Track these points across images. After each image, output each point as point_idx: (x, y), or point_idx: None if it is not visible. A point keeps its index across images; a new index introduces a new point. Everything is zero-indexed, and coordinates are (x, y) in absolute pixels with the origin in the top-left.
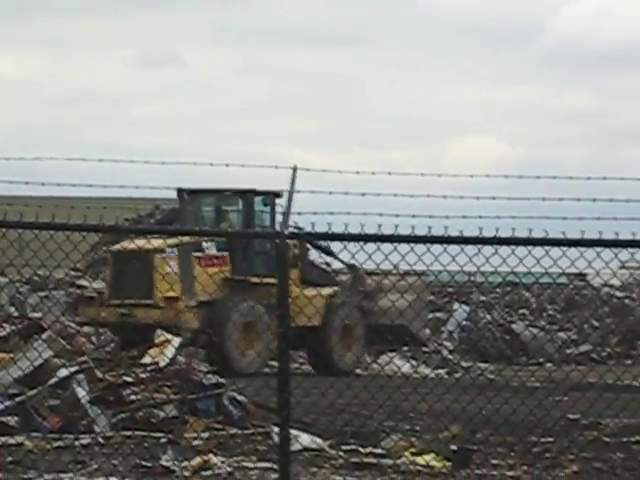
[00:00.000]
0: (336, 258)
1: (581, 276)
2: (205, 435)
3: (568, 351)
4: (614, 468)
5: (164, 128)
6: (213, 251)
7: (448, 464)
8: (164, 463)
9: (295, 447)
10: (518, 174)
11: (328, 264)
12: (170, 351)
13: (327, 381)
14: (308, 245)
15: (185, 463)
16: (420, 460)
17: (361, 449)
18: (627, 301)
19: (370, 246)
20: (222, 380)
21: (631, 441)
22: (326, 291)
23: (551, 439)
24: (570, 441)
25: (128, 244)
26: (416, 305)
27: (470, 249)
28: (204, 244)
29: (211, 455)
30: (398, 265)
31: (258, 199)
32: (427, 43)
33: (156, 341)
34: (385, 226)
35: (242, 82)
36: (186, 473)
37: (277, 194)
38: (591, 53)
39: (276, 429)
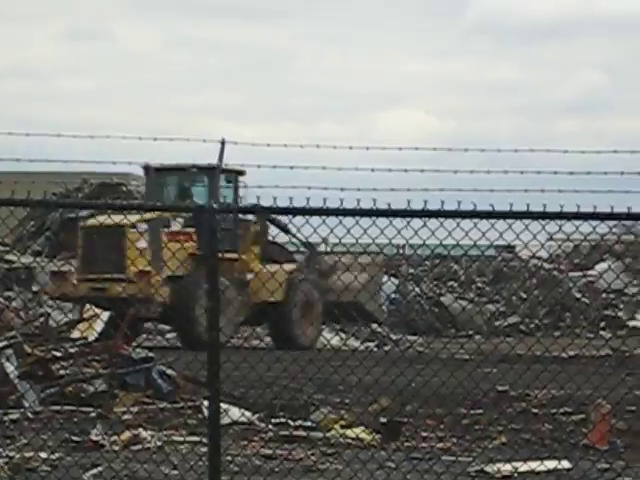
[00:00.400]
0: (294, 236)
1: (509, 248)
2: (134, 409)
3: (497, 323)
4: (542, 439)
5: (92, 102)
6: (179, 227)
7: (377, 437)
8: (94, 437)
9: (225, 421)
10: (447, 147)
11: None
12: (99, 325)
13: (256, 354)
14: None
15: (114, 437)
16: (350, 433)
17: (291, 422)
18: (555, 273)
19: (299, 219)
20: (151, 354)
21: (559, 412)
22: (287, 267)
23: (480, 411)
24: (499, 413)
25: (99, 219)
26: (370, 284)
27: (399, 222)
28: (172, 220)
29: (141, 429)
30: (349, 244)
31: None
32: (356, 16)
33: (85, 315)
34: (314, 199)
35: (171, 55)
36: (116, 447)
37: (240, 172)
38: (518, 26)
39: (206, 403)
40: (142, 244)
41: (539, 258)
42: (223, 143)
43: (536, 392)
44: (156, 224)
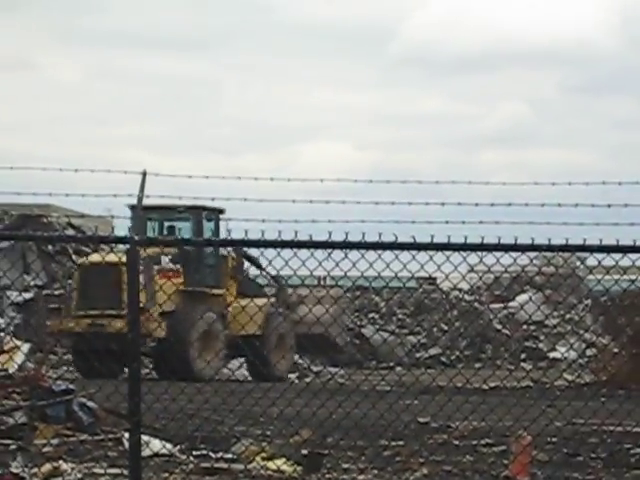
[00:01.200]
0: (263, 270)
1: (430, 280)
2: (55, 441)
3: (418, 355)
4: (464, 471)
5: (12, 132)
6: (169, 264)
7: (299, 468)
8: (14, 470)
9: (146, 453)
10: (369, 179)
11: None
12: (19, 357)
13: (178, 386)
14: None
15: (35, 470)
16: (271, 465)
17: (212, 454)
18: (476, 305)
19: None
20: (72, 386)
21: (480, 444)
22: (263, 301)
23: (401, 442)
24: (420, 444)
25: (95, 257)
26: (334, 314)
27: (320, 253)
28: (162, 257)
29: (61, 461)
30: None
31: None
32: (281, 47)
33: (5, 347)
34: (235, 231)
35: (95, 87)
36: None
37: (220, 210)
38: (444, 58)
39: (127, 435)
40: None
41: (460, 290)
42: (144, 175)
43: (457, 423)
44: (149, 262)
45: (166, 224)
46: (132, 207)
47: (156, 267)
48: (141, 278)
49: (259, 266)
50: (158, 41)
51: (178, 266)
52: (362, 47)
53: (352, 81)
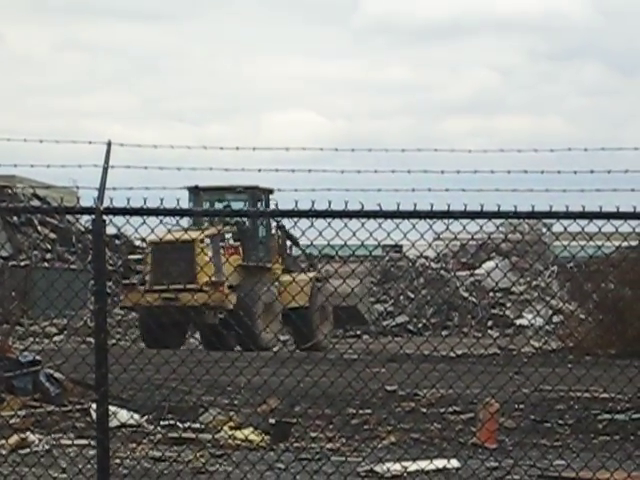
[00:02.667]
0: (299, 247)
1: (396, 248)
2: (22, 413)
3: (385, 323)
4: (431, 439)
5: None
6: (231, 241)
7: (267, 438)
8: None
9: (113, 423)
10: (336, 147)
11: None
12: None
13: (144, 356)
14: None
15: (2, 441)
16: (239, 434)
17: (179, 424)
18: (442, 272)
19: (186, 220)
20: (38, 357)
21: (448, 411)
22: (308, 276)
23: (369, 411)
24: (388, 412)
25: (169, 235)
26: (362, 288)
27: (287, 222)
28: (226, 235)
29: (28, 433)
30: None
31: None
32: (249, 18)
33: None
34: None
35: (62, 58)
36: (3, 451)
37: (270, 191)
38: (410, 27)
39: (94, 406)
40: (208, 257)
41: (426, 257)
42: (109, 145)
43: (425, 391)
44: (216, 239)
45: (221, 204)
46: (192, 189)
47: (222, 244)
48: (210, 254)
49: (297, 243)
50: (127, 13)
51: (237, 243)
52: (331, 17)
53: (320, 51)
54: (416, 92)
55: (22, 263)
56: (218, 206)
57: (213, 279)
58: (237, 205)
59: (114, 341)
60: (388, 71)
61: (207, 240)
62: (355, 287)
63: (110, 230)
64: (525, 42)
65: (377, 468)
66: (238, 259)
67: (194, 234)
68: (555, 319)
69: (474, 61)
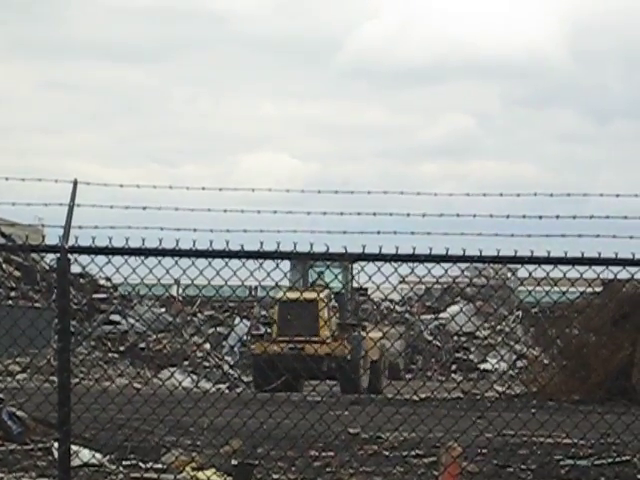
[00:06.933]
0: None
1: (362, 290)
2: None
3: None
4: None
5: None
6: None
7: (229, 479)
8: None
9: (75, 462)
10: (309, 189)
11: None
12: None
13: (107, 396)
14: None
15: None
16: (201, 475)
17: (142, 464)
18: (407, 315)
19: (151, 260)
20: (1, 395)
21: (411, 455)
22: (379, 334)
23: (332, 453)
24: (350, 455)
25: (293, 294)
26: (402, 345)
27: (251, 263)
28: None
29: None
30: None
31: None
32: (232, 60)
33: None
34: (166, 240)
35: (42, 97)
36: None
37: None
38: (390, 70)
39: (56, 444)
40: (325, 314)
41: (391, 300)
42: (75, 184)
43: (387, 434)
44: (329, 299)
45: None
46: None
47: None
48: (325, 313)
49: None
50: (109, 52)
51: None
52: (312, 59)
53: (299, 93)
54: (392, 135)
55: None
56: (312, 273)
57: (334, 333)
58: (329, 273)
59: (77, 380)
60: (366, 114)
61: (324, 299)
62: (396, 344)
63: (75, 269)
64: (503, 87)
65: None
66: (337, 318)
67: (316, 295)
68: (519, 364)
69: (452, 106)
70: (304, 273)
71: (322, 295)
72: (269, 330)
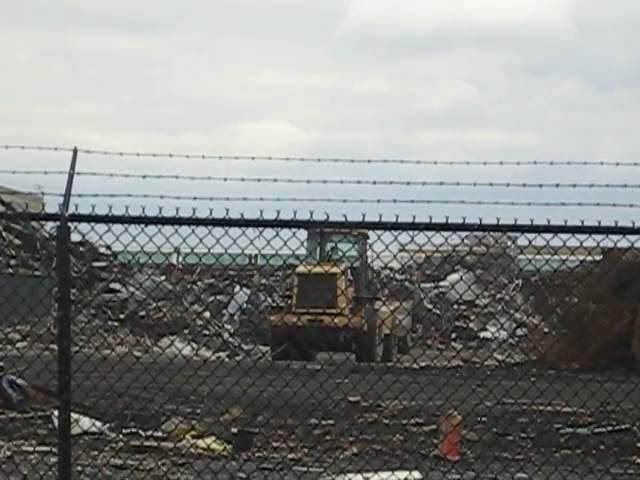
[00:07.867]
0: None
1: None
2: None
3: None
4: (394, 450)
5: None
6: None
7: (229, 447)
8: None
9: (75, 431)
10: (310, 157)
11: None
12: None
13: (108, 364)
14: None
15: None
16: (201, 443)
17: (141, 432)
18: (407, 284)
19: (151, 228)
20: (1, 363)
21: (410, 423)
22: (392, 307)
23: (331, 421)
24: (350, 423)
25: (313, 268)
26: (408, 321)
27: (251, 232)
28: (348, 271)
29: None
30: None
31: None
32: (234, 28)
33: None
34: (166, 208)
35: (44, 66)
36: None
37: (367, 236)
38: (393, 39)
39: (56, 412)
40: (343, 287)
41: (391, 269)
42: (75, 152)
43: (387, 403)
44: (346, 273)
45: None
46: (308, 227)
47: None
48: (343, 286)
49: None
50: (110, 21)
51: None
52: (315, 28)
53: (301, 62)
54: (393, 104)
55: None
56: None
57: (351, 305)
58: (344, 246)
59: (77, 348)
60: (367, 83)
61: (342, 274)
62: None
63: (75, 237)
64: (504, 56)
65: (339, 479)
66: (353, 291)
67: (335, 269)
68: (519, 332)
69: (453, 74)
70: (321, 242)
71: (341, 269)
72: (287, 302)
